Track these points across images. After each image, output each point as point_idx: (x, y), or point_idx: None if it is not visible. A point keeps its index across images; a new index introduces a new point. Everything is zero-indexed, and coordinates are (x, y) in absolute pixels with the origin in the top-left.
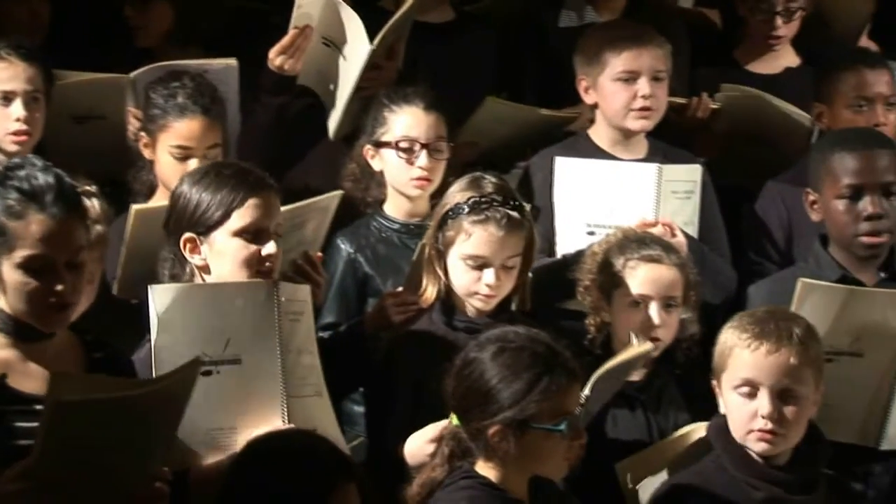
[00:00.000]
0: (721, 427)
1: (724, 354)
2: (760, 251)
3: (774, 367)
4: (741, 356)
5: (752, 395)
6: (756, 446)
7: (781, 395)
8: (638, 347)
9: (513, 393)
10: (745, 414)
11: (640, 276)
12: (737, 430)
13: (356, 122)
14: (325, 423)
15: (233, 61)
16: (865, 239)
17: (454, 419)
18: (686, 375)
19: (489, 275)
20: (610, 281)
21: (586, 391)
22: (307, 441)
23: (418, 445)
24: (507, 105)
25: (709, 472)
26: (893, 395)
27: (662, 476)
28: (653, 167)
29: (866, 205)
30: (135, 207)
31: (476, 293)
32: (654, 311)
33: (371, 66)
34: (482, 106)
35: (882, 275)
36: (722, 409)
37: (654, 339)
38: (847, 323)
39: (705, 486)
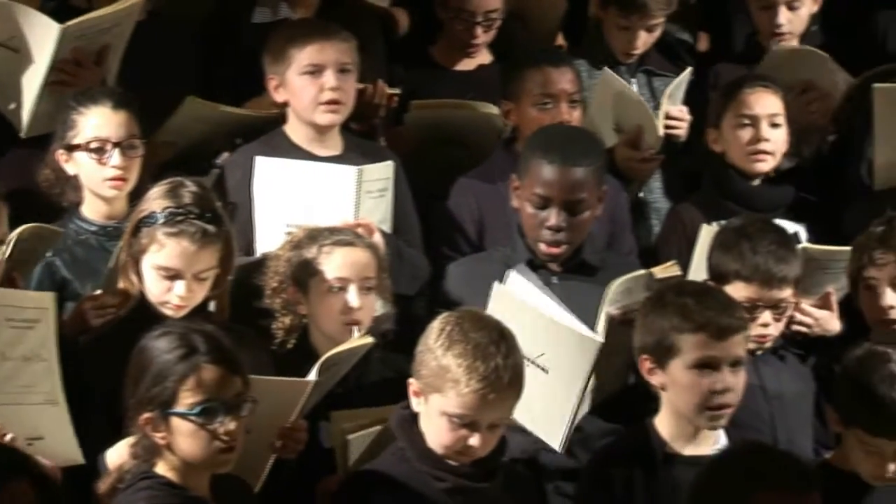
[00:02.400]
0: (405, 418)
1: (437, 374)
2: (453, 245)
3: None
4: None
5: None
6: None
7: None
8: (360, 339)
9: (152, 377)
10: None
11: (337, 261)
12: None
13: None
14: (55, 431)
15: None
16: (543, 246)
17: None
18: (386, 354)
19: (180, 287)
20: (305, 272)
21: (312, 376)
22: None
23: (119, 454)
24: (206, 105)
25: (391, 464)
26: (578, 410)
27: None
28: (353, 170)
29: (549, 215)
30: None
31: (167, 302)
32: (352, 294)
33: (74, 62)
34: (182, 105)
35: (558, 269)
36: (415, 407)
37: (354, 323)
38: (534, 334)
39: (388, 477)
